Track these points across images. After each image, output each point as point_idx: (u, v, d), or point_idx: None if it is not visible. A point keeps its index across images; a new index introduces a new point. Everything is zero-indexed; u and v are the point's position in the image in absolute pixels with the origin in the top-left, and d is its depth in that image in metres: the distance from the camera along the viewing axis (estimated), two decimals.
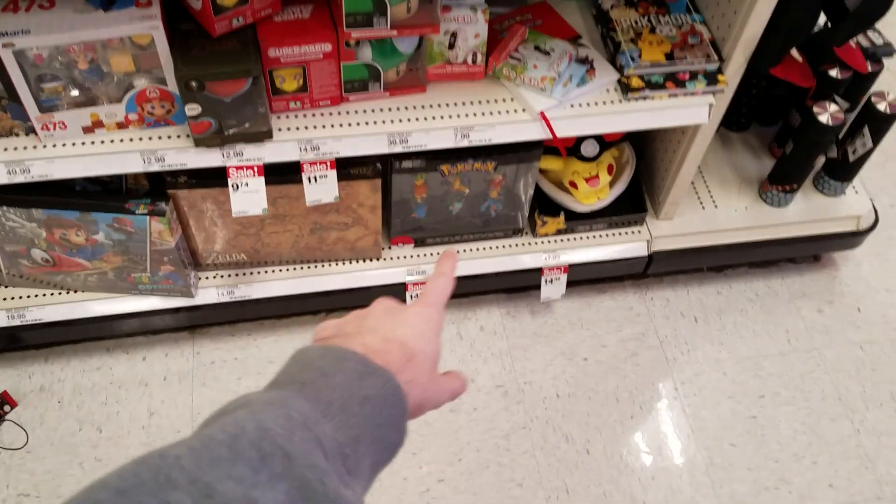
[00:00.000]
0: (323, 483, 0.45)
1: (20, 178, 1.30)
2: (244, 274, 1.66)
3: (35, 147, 1.29)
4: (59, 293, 1.62)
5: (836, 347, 1.88)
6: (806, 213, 1.85)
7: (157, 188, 1.48)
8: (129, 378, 1.74)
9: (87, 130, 1.30)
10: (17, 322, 1.60)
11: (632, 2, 1.54)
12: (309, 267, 1.69)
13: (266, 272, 1.67)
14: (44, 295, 1.61)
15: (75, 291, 1.62)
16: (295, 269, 1.68)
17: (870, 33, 1.82)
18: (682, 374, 1.82)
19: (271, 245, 1.62)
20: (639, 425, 1.74)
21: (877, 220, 1.89)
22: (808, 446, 1.73)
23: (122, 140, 1.31)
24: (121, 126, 1.31)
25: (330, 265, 1.69)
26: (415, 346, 0.59)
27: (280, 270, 1.68)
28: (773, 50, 1.42)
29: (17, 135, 1.31)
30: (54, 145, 1.30)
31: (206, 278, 1.66)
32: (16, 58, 1.17)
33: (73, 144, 1.30)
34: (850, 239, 1.90)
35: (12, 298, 1.61)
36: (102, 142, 1.31)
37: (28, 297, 1.61)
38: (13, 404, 1.69)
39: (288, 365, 0.56)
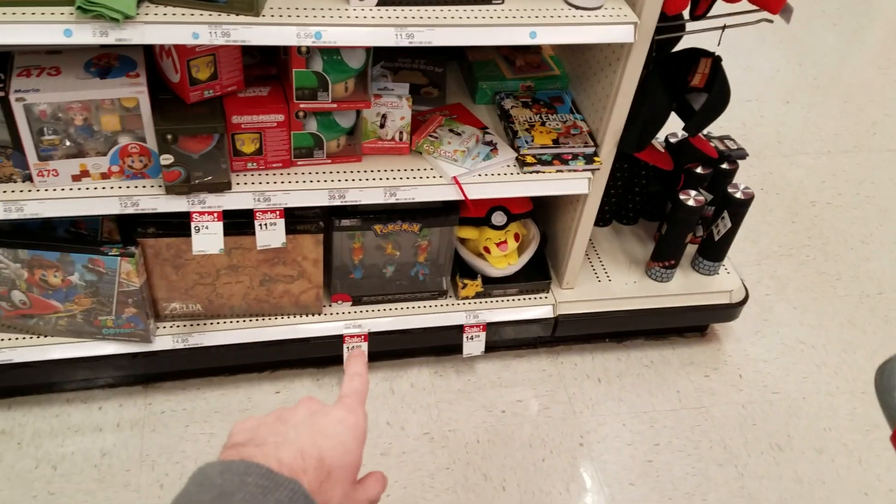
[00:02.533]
0: None
1: (14, 216, 1.56)
2: (198, 324, 1.89)
3: (30, 191, 1.56)
4: (30, 337, 1.81)
5: (722, 406, 2.14)
6: (686, 287, 2.18)
7: (127, 240, 1.73)
8: (85, 424, 1.90)
9: (76, 178, 1.58)
10: None
11: (527, 104, 1.93)
12: (257, 319, 1.92)
13: (218, 323, 1.90)
14: (15, 339, 1.80)
15: (45, 336, 1.81)
16: (244, 321, 1.91)
17: (726, 141, 2.25)
18: (587, 424, 2.05)
19: (224, 296, 1.86)
20: (550, 467, 1.94)
21: (747, 296, 2.22)
22: (698, 486, 1.94)
23: (104, 188, 1.59)
24: (104, 176, 1.59)
25: (275, 318, 1.93)
26: (333, 461, 0.57)
27: (230, 322, 1.91)
28: (633, 137, 1.80)
29: (14, 181, 1.57)
30: (46, 190, 1.56)
31: (163, 327, 1.87)
32: (25, 111, 1.46)
33: (63, 189, 1.57)
34: (726, 311, 2.22)
35: None
36: (87, 188, 1.58)
37: (1, 340, 1.80)
38: None
39: (187, 486, 0.53)
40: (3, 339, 1.80)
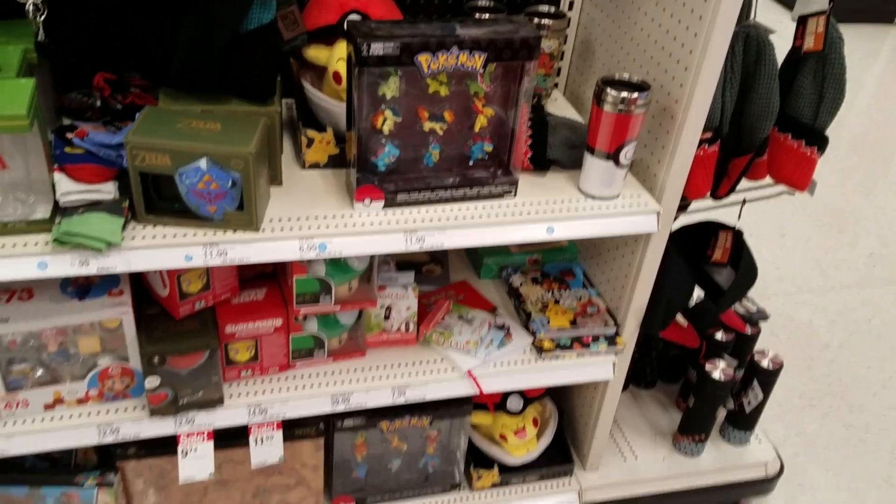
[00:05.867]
0: None
1: None
2: None
3: None
4: None
5: None
6: (717, 461, 2.01)
7: (105, 462, 1.54)
8: None
9: (48, 407, 1.40)
10: None
11: (537, 280, 1.82)
12: None
13: None
14: None
15: None
16: None
17: (746, 302, 2.14)
18: None
19: None
20: None
21: (782, 467, 2.05)
22: None
23: (80, 415, 1.41)
24: (80, 402, 1.42)
25: None
26: None
27: None
28: (657, 317, 1.67)
29: None
30: (14, 422, 1.38)
31: None
32: None
33: (33, 421, 1.39)
34: (762, 485, 2.04)
35: None
36: (61, 417, 1.40)
37: None
38: None
39: None
40: None
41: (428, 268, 1.88)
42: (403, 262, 1.78)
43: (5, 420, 1.38)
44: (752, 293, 2.17)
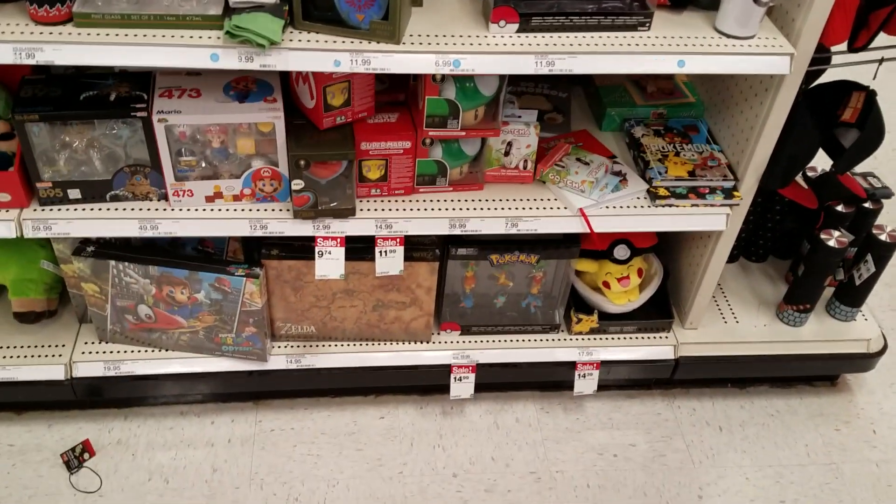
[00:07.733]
0: None
1: (149, 234, 1.59)
2: (311, 346, 1.88)
3: (165, 210, 1.59)
4: (152, 350, 1.85)
5: (853, 463, 1.98)
6: (820, 333, 2.03)
7: (250, 260, 1.75)
8: (197, 438, 1.92)
9: (209, 199, 1.60)
10: (111, 373, 1.82)
11: (659, 132, 1.85)
12: (366, 344, 1.90)
13: (329, 346, 1.89)
14: (138, 351, 1.84)
15: (166, 350, 1.85)
16: (354, 345, 1.90)
17: (870, 178, 2.09)
18: (707, 476, 1.93)
19: (338, 319, 1.85)
20: None
21: (886, 345, 2.05)
22: None
23: (235, 209, 1.60)
24: (236, 198, 1.60)
25: (385, 344, 1.91)
26: None
27: (341, 345, 1.89)
28: (778, 172, 1.69)
29: (151, 199, 1.60)
30: (181, 210, 1.59)
31: (278, 347, 1.88)
32: (166, 132, 1.49)
33: (196, 210, 1.59)
34: (862, 361, 2.05)
35: (111, 352, 1.84)
36: (220, 210, 1.60)
37: (124, 351, 1.84)
38: (92, 453, 1.86)
39: None
40: (125, 352, 1.84)
41: (550, 116, 1.94)
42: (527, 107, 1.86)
43: (174, 206, 1.58)
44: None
